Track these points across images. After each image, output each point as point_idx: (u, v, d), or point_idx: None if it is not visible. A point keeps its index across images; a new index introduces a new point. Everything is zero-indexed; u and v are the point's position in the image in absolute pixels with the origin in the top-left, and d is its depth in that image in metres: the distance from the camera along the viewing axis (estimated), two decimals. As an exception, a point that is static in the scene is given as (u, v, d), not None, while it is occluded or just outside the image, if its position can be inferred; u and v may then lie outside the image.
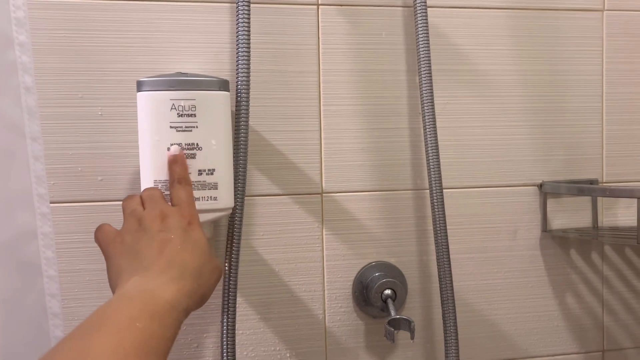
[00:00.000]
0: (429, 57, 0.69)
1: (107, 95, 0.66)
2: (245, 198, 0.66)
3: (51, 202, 0.63)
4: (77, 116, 0.66)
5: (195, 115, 0.58)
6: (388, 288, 0.70)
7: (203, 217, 0.59)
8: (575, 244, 0.78)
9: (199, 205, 0.58)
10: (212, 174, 0.59)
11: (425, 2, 0.68)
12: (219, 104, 0.60)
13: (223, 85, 0.61)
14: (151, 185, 0.58)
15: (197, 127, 0.58)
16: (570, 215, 0.77)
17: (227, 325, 0.64)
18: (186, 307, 0.46)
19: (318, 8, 0.70)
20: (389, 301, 0.69)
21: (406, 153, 0.73)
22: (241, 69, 0.63)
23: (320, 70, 0.71)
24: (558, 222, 0.77)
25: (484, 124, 0.75)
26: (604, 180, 0.78)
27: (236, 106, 0.64)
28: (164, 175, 0.58)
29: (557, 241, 0.77)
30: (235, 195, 0.63)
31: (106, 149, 0.66)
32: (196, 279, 0.48)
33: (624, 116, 0.78)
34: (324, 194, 0.72)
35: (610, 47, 0.77)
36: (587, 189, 0.73)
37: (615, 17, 0.77)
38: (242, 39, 0.63)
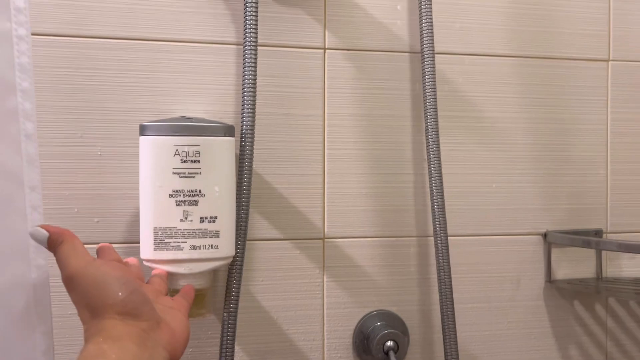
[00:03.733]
0: (436, 102, 0.68)
1: (107, 135, 0.64)
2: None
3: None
4: (76, 156, 0.64)
5: (199, 162, 0.57)
6: (390, 339, 0.68)
7: (203, 267, 0.57)
8: (579, 295, 0.77)
9: (199, 254, 0.56)
10: (214, 221, 0.57)
11: (433, 49, 0.68)
12: (224, 150, 0.58)
13: (228, 131, 0.59)
14: (151, 231, 0.56)
15: (200, 173, 0.57)
16: (574, 265, 0.76)
17: (224, 378, 0.61)
18: None
19: (325, 52, 0.70)
20: (391, 353, 0.67)
21: (410, 199, 0.72)
22: (246, 112, 0.62)
23: (326, 114, 0.70)
24: (562, 272, 0.76)
25: (488, 171, 0.74)
26: (609, 230, 0.77)
27: (240, 151, 0.62)
28: (164, 222, 0.56)
29: (560, 292, 0.76)
30: (236, 242, 0.61)
31: (104, 189, 0.64)
32: None
33: (629, 166, 0.78)
34: (325, 239, 0.70)
35: (615, 97, 0.77)
36: (593, 241, 0.72)
37: (620, 67, 0.77)
38: (248, 82, 0.62)
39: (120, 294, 0.40)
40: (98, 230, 0.64)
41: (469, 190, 0.73)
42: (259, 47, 0.65)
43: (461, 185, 0.73)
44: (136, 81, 0.65)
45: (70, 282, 0.41)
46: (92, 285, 0.40)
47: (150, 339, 0.38)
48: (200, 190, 0.57)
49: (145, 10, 0.65)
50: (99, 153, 0.64)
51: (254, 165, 0.66)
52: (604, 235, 0.77)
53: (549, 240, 0.75)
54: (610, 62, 0.77)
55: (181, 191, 0.56)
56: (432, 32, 0.68)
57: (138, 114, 0.64)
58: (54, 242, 0.44)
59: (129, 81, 0.65)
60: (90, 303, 0.40)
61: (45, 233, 0.43)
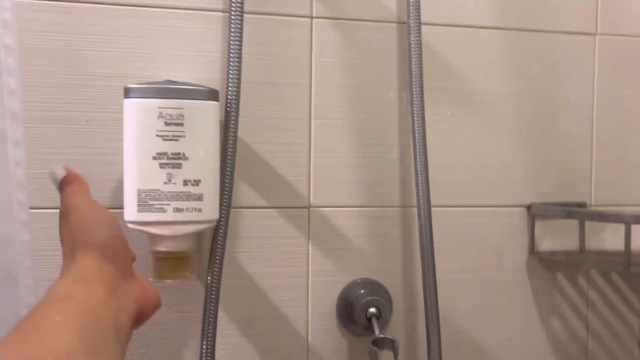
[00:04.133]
0: (421, 74, 0.68)
1: (94, 101, 0.65)
2: (231, 210, 0.65)
3: (31, 208, 0.62)
4: (63, 121, 0.64)
5: (182, 125, 0.57)
6: (373, 306, 0.69)
7: (187, 229, 0.58)
8: (562, 267, 0.77)
9: (183, 216, 0.57)
10: (197, 185, 0.58)
11: (419, 19, 0.68)
12: (208, 114, 0.59)
13: (212, 95, 0.60)
14: (135, 193, 0.57)
15: (184, 136, 0.57)
16: (558, 237, 0.77)
17: (208, 340, 0.62)
18: None
19: (312, 21, 0.70)
20: (374, 320, 0.68)
21: (396, 170, 0.73)
22: (232, 78, 0.62)
23: (312, 84, 0.70)
24: (546, 244, 0.77)
25: (474, 144, 0.74)
26: (593, 204, 0.78)
27: (225, 116, 0.63)
28: (147, 184, 0.57)
29: (544, 263, 0.77)
30: (220, 207, 0.61)
31: (90, 155, 0.65)
32: None
33: (614, 140, 0.78)
34: (311, 208, 0.71)
35: (601, 71, 0.78)
36: (575, 212, 0.73)
37: (608, 41, 0.77)
38: (233, 49, 0.62)
39: (105, 235, 0.40)
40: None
41: (455, 162, 0.74)
42: (246, 15, 0.65)
43: (446, 156, 0.74)
44: (124, 47, 0.65)
45: (67, 214, 0.42)
46: (85, 221, 0.41)
47: (122, 289, 0.38)
48: (183, 153, 0.57)
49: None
50: (85, 119, 0.65)
51: (240, 133, 0.66)
52: (588, 208, 0.77)
53: (533, 212, 0.75)
54: (597, 36, 0.77)
55: (165, 154, 0.57)
56: (418, 2, 0.68)
57: (125, 79, 0.64)
58: (66, 182, 0.46)
59: (117, 47, 0.65)
60: (76, 238, 0.40)
61: (62, 172, 0.46)
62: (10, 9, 0.46)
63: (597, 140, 0.78)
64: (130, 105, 0.57)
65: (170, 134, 0.57)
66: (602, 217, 0.70)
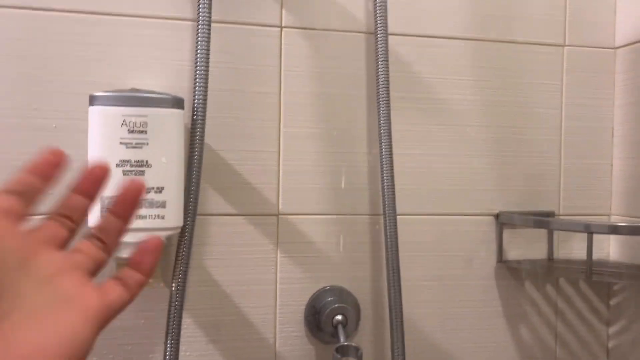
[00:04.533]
0: (388, 84, 0.69)
1: (62, 108, 0.65)
2: (199, 217, 0.66)
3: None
4: (30, 127, 0.65)
5: (146, 132, 0.58)
6: (339, 314, 0.69)
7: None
8: (530, 276, 0.78)
9: (145, 223, 0.57)
10: (160, 192, 0.58)
11: (387, 29, 0.69)
12: (171, 122, 0.59)
13: (177, 103, 0.60)
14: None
15: (147, 144, 0.58)
16: (526, 246, 0.78)
17: (171, 346, 0.62)
18: None
19: (281, 30, 0.71)
20: (340, 327, 0.68)
21: (364, 178, 0.73)
22: (199, 86, 0.63)
23: (282, 92, 0.71)
24: (514, 253, 0.77)
25: (443, 152, 0.75)
26: (561, 213, 0.79)
27: (192, 124, 0.63)
28: (110, 191, 0.57)
29: (512, 272, 0.77)
30: (185, 214, 0.62)
31: (58, 161, 0.65)
32: None
33: (582, 151, 0.79)
34: (280, 216, 0.71)
35: (569, 82, 0.79)
36: (542, 221, 0.74)
37: (575, 53, 0.79)
38: (200, 57, 0.63)
39: None
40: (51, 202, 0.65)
41: (423, 171, 0.75)
42: (216, 24, 0.66)
43: (415, 165, 0.74)
44: (91, 55, 0.66)
45: None
46: None
47: None
48: (146, 161, 0.58)
49: (102, -16, 0.66)
50: (54, 125, 0.65)
51: (207, 141, 0.67)
52: (557, 216, 0.78)
53: (501, 221, 0.76)
54: (565, 48, 0.78)
55: (128, 161, 0.57)
56: (385, 13, 0.69)
57: (92, 87, 0.65)
58: None
59: (84, 55, 0.66)
60: None
61: None
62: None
63: (565, 149, 0.79)
64: (95, 113, 0.58)
65: (133, 141, 0.57)
66: (568, 227, 0.70)
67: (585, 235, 0.67)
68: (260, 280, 0.71)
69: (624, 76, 0.78)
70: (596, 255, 0.77)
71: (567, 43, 0.78)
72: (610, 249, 0.80)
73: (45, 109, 0.65)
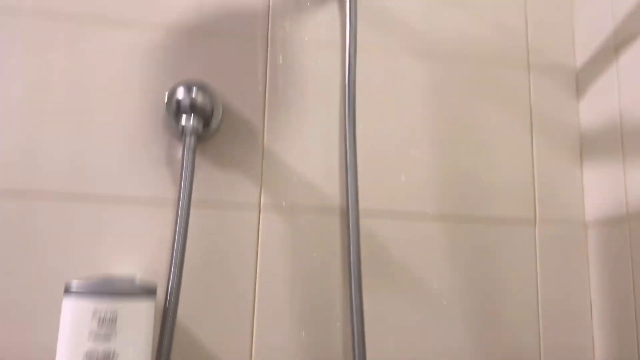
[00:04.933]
0: (359, 262, 0.71)
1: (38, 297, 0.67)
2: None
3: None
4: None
5: (115, 324, 0.59)
6: None
7: None
8: None
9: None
10: (126, 384, 0.58)
11: (358, 209, 0.72)
12: (142, 313, 0.60)
13: (149, 293, 0.62)
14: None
15: (116, 334, 0.59)
16: None
17: None
18: None
19: (260, 210, 0.74)
20: None
21: (339, 352, 0.73)
22: (174, 274, 0.65)
23: (257, 271, 0.73)
24: None
25: (417, 330, 0.75)
26: (544, 391, 0.77)
27: (163, 309, 0.65)
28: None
29: None
30: (151, 403, 0.61)
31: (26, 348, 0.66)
32: None
33: (560, 323, 0.79)
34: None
35: (543, 257, 0.80)
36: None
37: (547, 227, 0.81)
38: (178, 246, 0.66)
39: None
40: None
41: (399, 348, 0.74)
42: (196, 206, 0.70)
43: (390, 343, 0.74)
44: (76, 239, 0.69)
45: None
46: None
47: None
48: (114, 351, 0.58)
49: (94, 167, 0.71)
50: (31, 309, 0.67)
51: (181, 319, 0.68)
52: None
53: (481, 401, 0.74)
54: (537, 226, 0.81)
55: (95, 352, 0.58)
56: (356, 194, 0.73)
57: (73, 271, 0.68)
58: None
59: (70, 239, 0.69)
60: None
61: None
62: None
63: (543, 323, 0.78)
64: (67, 305, 0.59)
65: (102, 332, 0.58)
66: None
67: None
68: None
69: (597, 253, 0.79)
70: None
71: (538, 218, 0.81)
72: None
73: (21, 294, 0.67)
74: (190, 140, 0.70)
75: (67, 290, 0.60)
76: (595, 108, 0.82)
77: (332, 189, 0.76)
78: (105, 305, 0.59)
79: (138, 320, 0.60)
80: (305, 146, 0.76)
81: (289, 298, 0.73)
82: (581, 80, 0.85)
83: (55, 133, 0.71)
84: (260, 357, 0.71)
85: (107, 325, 0.59)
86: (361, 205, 0.75)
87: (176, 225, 0.67)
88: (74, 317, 0.59)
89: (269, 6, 0.79)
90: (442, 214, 0.78)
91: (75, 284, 0.61)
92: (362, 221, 0.75)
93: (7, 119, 0.70)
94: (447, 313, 0.76)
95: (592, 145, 0.82)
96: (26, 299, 0.67)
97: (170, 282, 0.65)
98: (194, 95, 0.72)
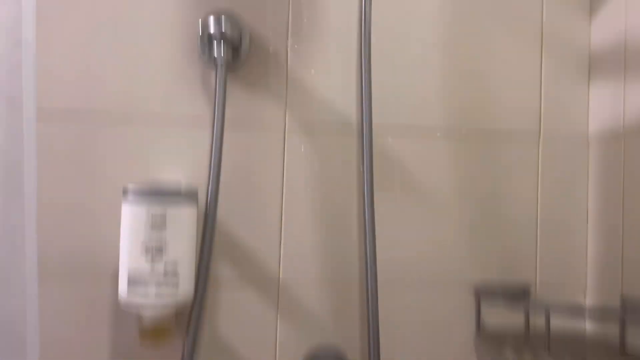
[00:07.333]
0: (372, 173, 0.80)
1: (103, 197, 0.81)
2: (208, 285, 0.79)
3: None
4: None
5: (165, 223, 0.72)
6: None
7: (164, 310, 0.72)
8: (509, 345, 0.85)
9: (162, 300, 0.71)
10: (175, 270, 0.72)
11: (371, 126, 0.81)
12: (186, 216, 0.74)
13: (191, 199, 0.74)
14: (126, 277, 0.71)
15: (166, 229, 0.72)
16: (504, 316, 0.85)
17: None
18: None
19: (285, 132, 0.84)
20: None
21: (354, 249, 0.84)
22: (212, 180, 0.77)
23: (284, 180, 0.84)
24: (492, 322, 0.85)
25: (423, 227, 0.85)
26: (538, 281, 0.86)
27: (205, 208, 0.77)
28: (136, 263, 0.71)
29: (490, 342, 0.85)
30: (197, 287, 0.75)
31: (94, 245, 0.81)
32: None
33: (557, 226, 0.87)
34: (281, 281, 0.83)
35: (545, 164, 0.87)
36: (518, 304, 0.81)
37: (550, 138, 0.87)
38: (215, 157, 0.77)
39: None
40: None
41: (403, 243, 0.85)
42: (228, 129, 0.81)
43: (396, 240, 0.84)
44: (130, 154, 0.82)
45: None
46: None
47: None
48: (165, 242, 0.72)
49: (142, 85, 0.82)
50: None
51: (219, 223, 0.81)
52: (533, 287, 0.85)
53: (479, 294, 0.84)
54: (541, 138, 0.87)
55: (151, 240, 0.71)
56: (370, 111, 0.81)
57: (129, 179, 0.81)
58: None
59: (124, 154, 0.81)
60: None
61: None
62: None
63: (541, 226, 0.86)
64: (126, 209, 0.73)
65: (155, 227, 0.72)
66: (544, 308, 0.77)
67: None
68: (260, 339, 0.82)
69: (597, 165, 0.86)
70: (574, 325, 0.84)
71: (542, 129, 0.87)
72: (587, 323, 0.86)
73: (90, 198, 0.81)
74: (221, 69, 0.79)
75: (125, 193, 0.73)
76: (605, 28, 0.85)
77: (349, 109, 0.85)
78: (157, 205, 0.72)
79: (184, 219, 0.73)
80: (326, 71, 0.84)
81: (311, 208, 0.84)
82: (594, 1, 0.88)
83: (109, 60, 0.82)
84: (287, 256, 0.83)
85: (159, 220, 0.72)
86: (375, 120, 0.83)
87: (212, 141, 0.78)
88: (132, 215, 0.72)
89: (292, -64, 0.85)
90: (450, 126, 0.86)
91: (131, 188, 0.73)
92: (375, 137, 0.83)
93: (70, 50, 0.81)
94: (451, 218, 0.85)
95: (599, 64, 0.86)
96: (90, 202, 0.81)
97: (210, 188, 0.77)
98: (223, 26, 0.80)
